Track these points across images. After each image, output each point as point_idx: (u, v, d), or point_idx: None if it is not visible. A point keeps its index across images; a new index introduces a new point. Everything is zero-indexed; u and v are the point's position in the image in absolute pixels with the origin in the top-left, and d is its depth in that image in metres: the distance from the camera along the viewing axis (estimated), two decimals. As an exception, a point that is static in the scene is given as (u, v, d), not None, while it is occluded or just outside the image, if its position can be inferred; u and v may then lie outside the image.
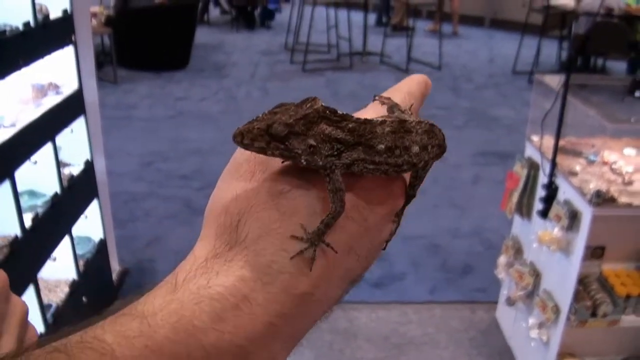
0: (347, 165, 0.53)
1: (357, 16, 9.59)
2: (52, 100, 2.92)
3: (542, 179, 2.76)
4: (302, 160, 0.53)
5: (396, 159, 0.54)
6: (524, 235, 3.12)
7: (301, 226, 0.50)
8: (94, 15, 7.62)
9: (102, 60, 8.19)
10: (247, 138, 0.53)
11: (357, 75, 8.58)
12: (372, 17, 11.58)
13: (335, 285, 0.50)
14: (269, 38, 10.95)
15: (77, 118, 3.19)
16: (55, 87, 3.03)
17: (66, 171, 3.21)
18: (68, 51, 3.04)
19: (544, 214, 2.66)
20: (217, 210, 0.50)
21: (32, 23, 2.51)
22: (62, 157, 3.22)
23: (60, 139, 3.01)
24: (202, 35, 10.14)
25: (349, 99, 7.33)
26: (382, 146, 0.53)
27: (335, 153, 0.53)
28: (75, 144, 3.29)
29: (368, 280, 3.90)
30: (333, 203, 0.50)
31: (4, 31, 2.31)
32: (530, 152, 2.99)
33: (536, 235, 2.76)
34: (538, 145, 2.78)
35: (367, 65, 9.17)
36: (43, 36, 2.66)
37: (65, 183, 3.05)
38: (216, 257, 0.46)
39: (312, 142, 0.52)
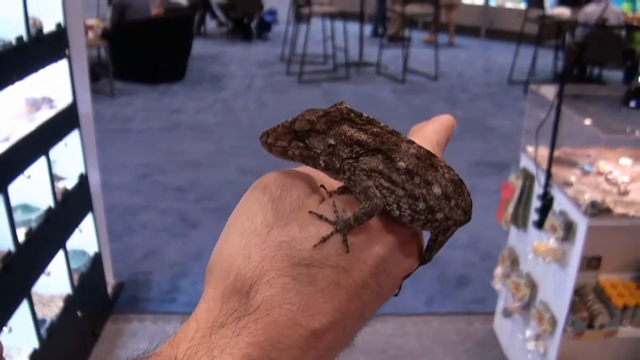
0: (365, 173, 0.51)
1: (354, 27, 9.62)
2: (45, 114, 2.91)
3: (537, 189, 2.76)
4: (321, 161, 0.51)
5: (414, 188, 0.50)
6: (520, 246, 3.11)
7: (333, 205, 0.49)
8: (91, 28, 7.63)
9: (98, 73, 8.19)
10: (271, 137, 0.52)
11: (354, 86, 8.60)
12: (368, 28, 11.61)
13: (340, 350, 0.48)
14: (266, 49, 10.98)
15: (71, 132, 3.18)
16: (49, 101, 3.03)
17: (60, 185, 3.19)
18: (62, 65, 3.04)
19: (540, 224, 2.65)
20: (225, 268, 0.46)
21: (25, 37, 2.51)
22: (57, 170, 3.21)
23: (54, 152, 3.00)
24: (199, 47, 10.16)
25: (345, 110, 7.33)
26: (403, 164, 0.51)
27: (354, 156, 0.51)
28: (69, 158, 3.28)
29: (365, 292, 3.88)
30: (366, 200, 0.49)
31: (-4, 45, 2.30)
32: (525, 162, 2.98)
33: (532, 246, 2.75)
34: (533, 156, 2.78)
35: (363, 75, 9.19)
36: (36, 50, 2.66)
37: (59, 197, 3.03)
38: (222, 327, 0.43)
39: (331, 141, 0.51)
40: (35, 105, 2.93)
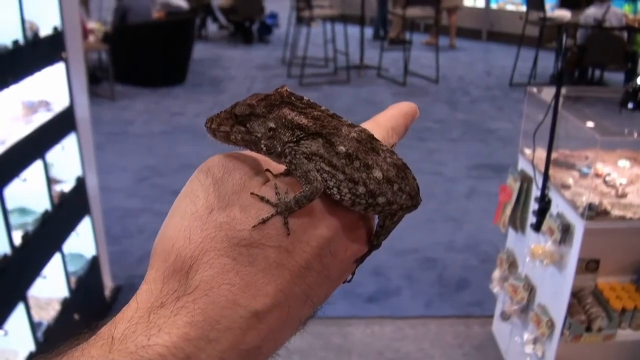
0: (306, 156, 0.51)
1: (354, 30, 9.61)
2: (42, 117, 2.91)
3: (535, 192, 2.75)
4: (262, 145, 0.51)
5: (353, 172, 0.50)
6: (518, 249, 3.10)
7: (275, 187, 0.49)
8: (92, 31, 7.65)
9: (99, 76, 8.20)
10: (215, 122, 0.53)
11: (354, 89, 8.59)
12: (369, 31, 11.61)
13: (286, 334, 0.48)
14: (267, 53, 10.98)
15: (67, 135, 3.18)
16: (46, 104, 3.03)
17: (57, 188, 3.19)
18: (59, 68, 3.04)
19: (537, 227, 2.64)
20: (166, 250, 0.46)
21: (21, 41, 2.51)
22: (54, 174, 3.21)
23: (51, 155, 3.00)
24: (199, 51, 10.17)
25: (345, 113, 7.13)
26: (343, 148, 0.51)
27: (295, 140, 0.51)
28: (66, 161, 3.28)
29: (362, 295, 3.87)
30: (307, 183, 0.49)
31: (-8, 49, 2.30)
32: (522, 165, 2.97)
33: (529, 249, 2.74)
34: (530, 158, 2.77)
35: (364, 79, 9.18)
36: (33, 53, 2.66)
37: (56, 200, 3.03)
38: (161, 307, 0.43)
39: (272, 125, 0.51)
40: (32, 108, 2.93)
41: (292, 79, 8.96)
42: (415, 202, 0.55)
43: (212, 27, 12.70)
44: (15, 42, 2.47)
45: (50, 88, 3.09)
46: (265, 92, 0.53)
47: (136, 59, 8.24)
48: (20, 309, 2.64)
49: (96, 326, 0.44)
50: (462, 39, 11.97)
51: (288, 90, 0.53)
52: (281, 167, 0.53)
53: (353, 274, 0.55)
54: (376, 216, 0.55)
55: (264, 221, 0.46)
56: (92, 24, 7.88)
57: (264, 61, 10.32)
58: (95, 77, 8.09)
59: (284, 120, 0.51)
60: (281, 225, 0.47)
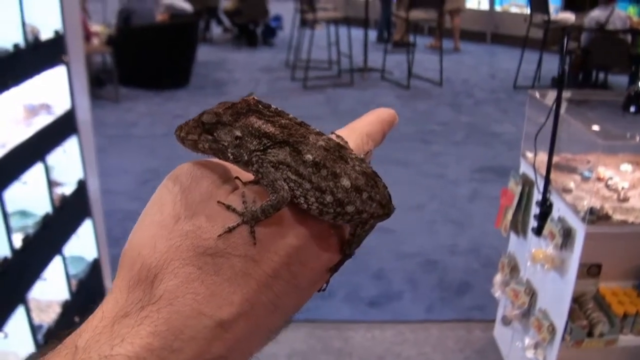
0: (273, 165, 0.50)
1: (358, 33, 9.61)
2: (43, 120, 2.91)
3: (537, 196, 2.73)
4: (229, 154, 0.51)
5: (320, 181, 0.50)
6: (519, 253, 3.08)
7: (242, 196, 0.49)
8: (96, 34, 7.67)
9: (103, 78, 8.22)
10: (183, 131, 0.52)
11: (358, 92, 8.59)
12: (373, 34, 11.61)
13: (254, 344, 0.47)
14: (271, 55, 10.99)
15: (69, 138, 3.18)
16: (47, 107, 3.03)
17: (58, 191, 3.19)
18: (60, 71, 3.04)
19: (538, 231, 2.63)
20: (132, 258, 0.46)
21: (22, 44, 2.51)
22: (55, 176, 3.21)
23: (52, 158, 3.00)
24: (203, 54, 10.17)
25: (348, 116, 7.17)
26: (310, 157, 0.50)
27: (262, 148, 0.51)
28: (67, 164, 3.28)
29: (364, 299, 3.86)
30: (274, 192, 0.49)
31: (-8, 52, 2.31)
32: (524, 168, 2.96)
33: (530, 253, 2.72)
34: (532, 162, 2.75)
35: (368, 81, 9.18)
36: (33, 57, 2.66)
37: (57, 203, 3.03)
38: (125, 316, 0.42)
39: (238, 133, 0.51)
40: (32, 111, 2.93)
41: (295, 81, 8.97)
42: (387, 210, 0.54)
43: (216, 30, 12.72)
44: (16, 46, 2.47)
45: (51, 91, 3.09)
46: (232, 101, 0.52)
47: (140, 62, 8.25)
48: (20, 311, 2.64)
49: (65, 335, 0.43)
50: (467, 42, 11.95)
51: (255, 98, 0.53)
52: (251, 175, 0.53)
53: (327, 282, 0.54)
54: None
55: (230, 230, 0.46)
56: (96, 27, 7.90)
57: (268, 64, 10.32)
58: (99, 80, 8.11)
59: (250, 128, 0.51)
60: (247, 234, 0.46)
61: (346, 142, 0.55)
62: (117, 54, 7.68)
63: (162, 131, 6.92)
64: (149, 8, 8.37)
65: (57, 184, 3.25)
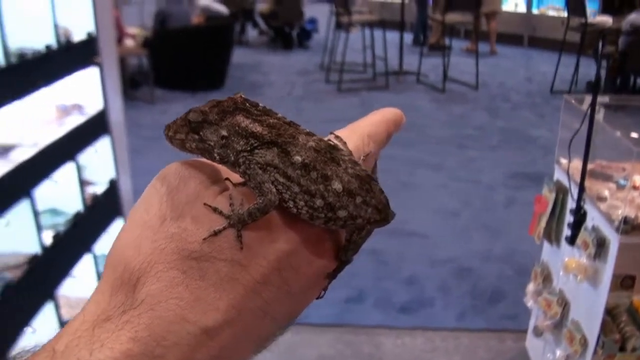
0: (260, 166, 0.48)
1: (394, 36, 9.55)
2: (75, 121, 2.95)
3: (571, 203, 2.65)
4: (215, 154, 0.49)
5: (310, 185, 0.48)
6: (552, 262, 3.00)
7: (230, 198, 0.47)
8: (133, 36, 7.77)
9: (139, 80, 8.32)
10: (172, 130, 0.50)
11: (393, 95, 8.52)
12: (408, 37, 11.53)
13: (242, 352, 0.45)
14: (306, 58, 11.00)
15: (101, 138, 3.21)
16: (79, 108, 3.07)
17: (90, 190, 3.23)
18: (93, 72, 3.08)
19: (572, 240, 2.55)
20: (116, 260, 0.44)
21: (54, 45, 2.55)
22: (87, 176, 3.24)
23: (84, 158, 3.04)
24: (239, 56, 10.23)
25: (382, 119, 7.25)
26: (299, 158, 0.48)
27: (249, 149, 0.49)
28: (100, 164, 3.32)
29: (395, 304, 3.81)
30: (261, 195, 0.47)
31: (24, 54, 2.34)
32: (558, 175, 2.88)
33: (563, 262, 2.64)
34: (566, 169, 2.68)
35: (403, 85, 9.11)
36: (65, 58, 2.70)
37: (88, 202, 3.07)
38: (107, 320, 0.41)
39: (224, 132, 0.49)
40: (65, 111, 2.97)
41: (330, 84, 8.95)
42: (385, 215, 0.52)
43: (252, 33, 12.79)
44: (48, 47, 2.51)
45: (84, 92, 3.13)
46: (219, 99, 0.50)
47: (175, 64, 8.34)
48: (49, 307, 2.67)
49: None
50: (503, 45, 11.77)
51: (243, 96, 0.50)
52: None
53: (325, 289, 0.52)
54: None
55: (215, 233, 0.44)
56: (132, 29, 8.01)
57: (303, 67, 10.33)
58: (134, 82, 8.22)
59: (237, 128, 0.49)
60: (234, 238, 0.45)
61: (345, 143, 0.53)
62: (153, 56, 7.77)
63: (196, 133, 6.95)
64: (185, 11, 8.45)
65: (89, 183, 3.28)
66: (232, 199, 0.47)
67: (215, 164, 0.51)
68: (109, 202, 3.36)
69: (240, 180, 0.50)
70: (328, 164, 0.49)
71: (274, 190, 0.47)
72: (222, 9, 9.50)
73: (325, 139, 0.54)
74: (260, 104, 0.50)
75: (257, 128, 0.49)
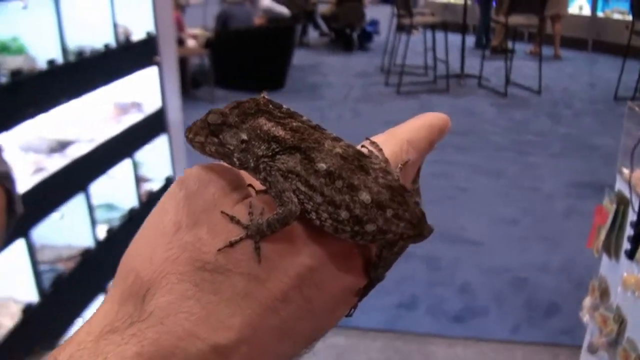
0: (282, 173, 0.45)
1: (456, 38, 9.41)
2: (133, 118, 3.01)
3: (632, 216, 2.54)
4: (235, 159, 0.46)
5: (334, 195, 0.44)
6: (611, 277, 2.87)
7: (249, 206, 0.44)
8: (195, 37, 7.92)
9: (200, 80, 8.46)
10: (192, 132, 0.48)
11: (453, 99, 8.39)
12: (471, 40, 11.33)
13: None
14: (366, 60, 10.95)
15: (158, 136, 3.27)
16: (138, 106, 3.13)
17: (146, 187, 3.29)
18: (152, 72, 3.13)
19: (631, 255, 2.44)
20: (128, 268, 0.42)
21: (113, 44, 2.61)
22: (143, 172, 3.31)
23: (142, 155, 3.09)
24: (300, 57, 10.28)
25: (442, 123, 7.13)
26: (323, 165, 0.45)
27: (271, 154, 0.46)
28: (157, 161, 3.38)
29: (448, 313, 3.74)
30: (281, 205, 0.44)
31: (82, 52, 2.40)
32: (620, 185, 2.76)
33: (621, 277, 2.53)
34: (628, 179, 2.56)
35: (464, 88, 8.95)
36: (124, 57, 2.76)
37: (143, 198, 3.12)
38: (113, 332, 0.38)
39: (244, 136, 0.46)
40: (123, 109, 3.04)
41: (389, 86, 8.89)
42: (420, 231, 0.47)
43: (313, 34, 12.84)
44: (107, 46, 2.56)
45: (142, 90, 3.19)
46: (240, 100, 0.48)
47: (236, 64, 8.43)
48: (100, 300, 2.73)
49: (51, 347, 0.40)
50: (567, 49, 11.41)
51: (266, 97, 0.48)
52: None
53: (355, 307, 0.49)
54: None
55: (232, 244, 0.41)
56: (194, 30, 8.15)
57: (363, 69, 10.29)
58: (195, 81, 8.36)
59: (258, 131, 0.46)
60: (252, 251, 0.42)
61: (380, 150, 0.49)
62: (215, 56, 7.89)
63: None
64: (247, 12, 8.54)
65: (145, 180, 3.35)
66: (251, 208, 0.44)
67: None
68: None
69: (264, 187, 0.48)
70: (356, 172, 0.45)
71: (295, 200, 0.44)
72: (284, 10, 9.56)
73: (360, 145, 0.51)
74: (284, 106, 0.47)
75: (280, 132, 0.46)
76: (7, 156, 2.21)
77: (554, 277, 4.09)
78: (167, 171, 3.44)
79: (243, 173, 0.48)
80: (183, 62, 7.61)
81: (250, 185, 0.48)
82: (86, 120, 2.75)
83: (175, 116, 3.56)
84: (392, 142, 0.51)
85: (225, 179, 0.46)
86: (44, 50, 2.18)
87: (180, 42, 7.57)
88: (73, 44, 2.35)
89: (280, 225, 0.43)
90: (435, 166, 5.72)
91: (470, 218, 4.81)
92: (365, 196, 0.44)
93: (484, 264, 4.20)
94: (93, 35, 2.57)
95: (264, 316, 0.40)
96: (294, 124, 0.46)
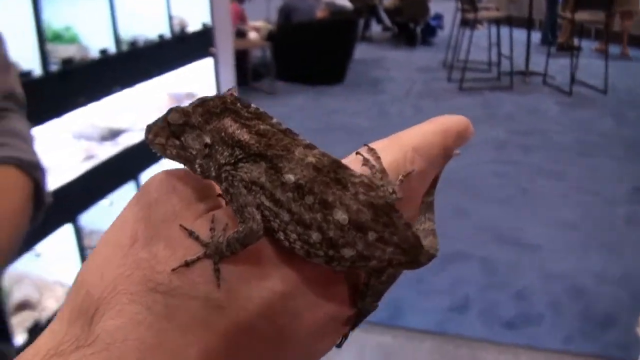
0: (245, 185, 0.39)
1: (522, 34, 9.15)
2: (187, 109, 3.03)
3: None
4: (197, 166, 0.40)
5: (303, 212, 0.38)
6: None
7: (212, 220, 0.39)
8: (257, 29, 7.98)
9: (262, 72, 8.52)
10: (152, 132, 0.42)
11: (516, 96, 8.16)
12: (536, 36, 11.00)
13: None
14: (429, 55, 10.79)
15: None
16: (192, 97, 3.16)
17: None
18: (207, 63, 3.16)
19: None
20: (80, 283, 0.37)
21: (168, 35, 2.63)
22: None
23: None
24: (362, 51, 10.22)
25: (506, 121, 6.96)
26: (292, 177, 0.38)
27: (233, 161, 0.40)
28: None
29: (500, 318, 3.63)
30: (242, 222, 0.38)
31: (135, 42, 2.43)
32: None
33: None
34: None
35: (528, 86, 8.70)
36: (179, 48, 2.78)
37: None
38: (58, 356, 0.34)
39: (207, 139, 0.40)
40: (177, 99, 3.07)
41: (452, 82, 8.73)
42: (414, 257, 0.41)
43: (376, 28, 12.74)
44: (161, 37, 2.59)
45: (197, 81, 3.22)
46: (205, 97, 0.42)
47: (298, 57, 8.45)
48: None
49: None
50: (636, 48, 10.94)
51: (234, 94, 0.42)
52: None
53: (345, 337, 0.43)
54: None
55: (187, 264, 0.36)
56: (257, 23, 8.22)
57: (426, 64, 10.15)
58: (257, 73, 8.42)
59: (223, 134, 0.40)
60: (211, 272, 0.36)
61: (378, 158, 0.43)
62: (276, 49, 7.93)
63: (316, 126, 7.02)
64: (310, 5, 8.54)
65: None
66: (214, 222, 0.39)
67: None
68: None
69: None
70: (331, 186, 0.38)
71: (258, 217, 0.38)
72: (347, 4, 9.53)
73: (355, 152, 0.45)
74: (253, 105, 0.41)
75: (244, 136, 0.40)
76: (57, 143, 2.29)
77: (612, 288, 3.92)
78: (220, 162, 3.46)
79: None
80: (244, 54, 7.68)
81: (220, 194, 0.42)
82: (139, 109, 2.79)
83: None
84: (395, 149, 0.44)
85: (191, 186, 0.41)
86: (97, 40, 2.21)
87: (243, 34, 7.64)
88: (127, 34, 2.38)
89: (240, 246, 0.37)
90: (497, 165, 5.59)
91: (530, 220, 4.68)
92: (341, 215, 0.38)
93: (540, 269, 4.07)
94: (148, 26, 2.60)
95: (225, 348, 0.36)
96: (261, 126, 0.40)
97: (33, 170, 0.94)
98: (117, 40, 2.26)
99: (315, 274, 0.39)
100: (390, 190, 0.41)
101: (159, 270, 0.36)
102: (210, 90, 3.27)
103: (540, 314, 3.67)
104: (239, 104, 0.41)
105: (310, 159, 0.39)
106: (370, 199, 0.39)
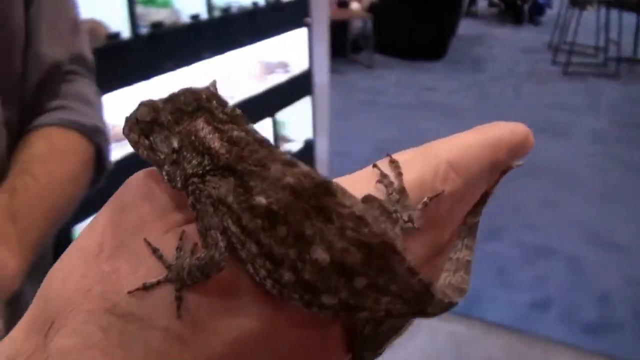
0: (212, 203, 0.33)
1: (633, 18, 8.55)
2: (278, 78, 3.05)
3: None
4: (164, 173, 0.35)
5: (274, 245, 0.31)
6: None
7: (181, 236, 0.34)
8: (360, 0, 7.90)
9: (361, 44, 8.45)
10: (127, 126, 0.36)
11: (621, 86, 7.64)
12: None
13: None
14: (534, 35, 10.33)
15: (303, 98, 3.29)
16: (284, 66, 3.17)
17: (286, 147, 3.35)
18: (301, 33, 3.15)
19: None
20: (43, 290, 0.34)
21: (261, 3, 2.64)
22: (285, 132, 3.37)
23: (283, 115, 3.13)
24: (465, 27, 9.92)
25: (609, 111, 6.57)
26: (263, 200, 0.31)
27: (201, 172, 0.34)
28: (298, 122, 3.41)
29: (580, 321, 3.46)
30: (205, 247, 0.32)
31: (228, 9, 2.46)
32: None
33: None
34: None
35: (636, 75, 8.17)
36: (273, 17, 2.79)
37: (282, 158, 3.18)
38: None
39: (175, 143, 0.34)
40: (269, 68, 3.09)
41: (556, 65, 8.33)
42: (420, 308, 0.33)
43: (482, 3, 12.33)
44: (255, 4, 2.60)
45: (290, 51, 3.22)
46: (177, 91, 0.36)
47: (399, 30, 8.30)
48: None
49: None
50: None
51: (212, 89, 0.36)
52: None
53: None
54: None
55: (146, 288, 0.32)
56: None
57: (531, 44, 9.73)
58: (356, 45, 8.37)
59: (193, 137, 0.34)
60: (171, 300, 0.31)
61: (400, 174, 0.37)
62: (377, 21, 7.83)
63: (410, 102, 6.92)
64: (415, -22, 8.36)
65: (286, 140, 3.41)
66: (182, 240, 0.33)
67: None
68: (303, 161, 3.46)
69: None
70: (310, 216, 0.31)
71: (222, 244, 0.32)
72: (453, -23, 9.25)
73: (370, 166, 0.38)
74: (231, 104, 0.35)
75: (215, 142, 0.33)
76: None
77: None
78: (308, 133, 3.48)
79: None
80: (345, 25, 7.63)
81: None
82: (231, 77, 2.84)
83: (322, 79, 3.56)
84: (424, 162, 0.37)
85: (171, 192, 0.35)
86: (189, 5, 2.25)
87: (345, 4, 7.59)
88: (220, 0, 2.41)
89: (201, 276, 0.32)
90: (595, 158, 5.31)
91: (623, 220, 4.42)
92: (320, 254, 0.31)
93: (628, 273, 3.85)
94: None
95: None
96: (235, 133, 0.34)
97: (95, 135, 0.95)
98: (210, 6, 2.29)
99: (300, 312, 0.33)
100: (406, 218, 0.35)
101: (117, 289, 0.31)
102: (302, 61, 3.27)
103: (623, 320, 3.48)
104: (214, 102, 0.35)
105: (289, 179, 0.32)
106: (360, 236, 0.31)
